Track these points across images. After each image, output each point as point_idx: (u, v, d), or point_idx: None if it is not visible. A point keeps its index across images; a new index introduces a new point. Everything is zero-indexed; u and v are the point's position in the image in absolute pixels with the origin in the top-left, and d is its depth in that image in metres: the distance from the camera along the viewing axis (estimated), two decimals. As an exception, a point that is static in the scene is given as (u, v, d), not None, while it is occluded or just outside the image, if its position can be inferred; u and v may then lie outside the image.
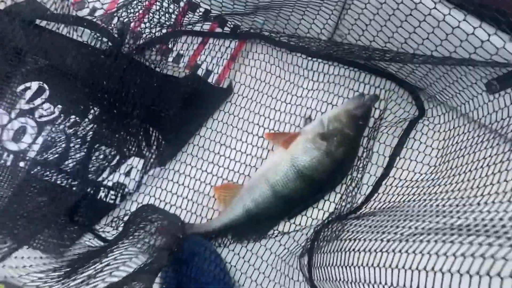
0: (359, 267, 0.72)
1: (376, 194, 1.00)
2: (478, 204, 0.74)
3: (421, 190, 0.92)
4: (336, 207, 1.04)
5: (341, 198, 1.05)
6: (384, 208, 0.93)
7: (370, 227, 0.83)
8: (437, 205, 0.82)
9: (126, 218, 1.03)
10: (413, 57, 0.85)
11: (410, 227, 0.74)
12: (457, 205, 0.75)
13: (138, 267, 0.84)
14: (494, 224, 0.61)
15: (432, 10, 0.79)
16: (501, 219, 0.62)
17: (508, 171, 0.77)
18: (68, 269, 0.87)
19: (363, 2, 0.88)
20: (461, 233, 0.65)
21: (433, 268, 0.57)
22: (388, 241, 0.73)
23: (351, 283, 0.74)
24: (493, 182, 0.76)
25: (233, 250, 1.02)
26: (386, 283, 0.65)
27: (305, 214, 1.05)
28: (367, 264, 0.70)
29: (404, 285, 0.61)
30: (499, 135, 0.86)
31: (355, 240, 0.80)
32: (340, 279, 0.78)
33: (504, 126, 0.84)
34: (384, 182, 1.01)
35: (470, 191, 0.78)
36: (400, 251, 0.65)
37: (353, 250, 0.77)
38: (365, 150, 1.06)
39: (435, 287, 0.58)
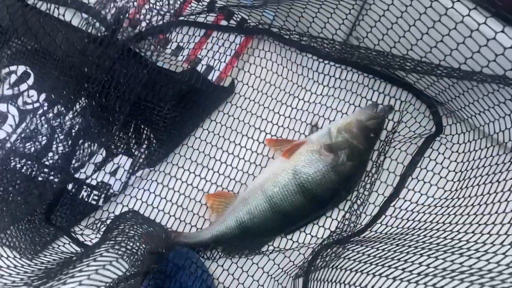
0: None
1: (383, 217, 0.91)
2: (493, 244, 0.65)
3: (434, 218, 0.82)
4: (338, 226, 0.95)
5: (344, 216, 0.96)
6: (390, 234, 0.84)
7: (373, 256, 0.74)
8: (452, 239, 0.72)
9: (108, 221, 0.94)
10: (436, 69, 0.75)
11: (416, 263, 0.65)
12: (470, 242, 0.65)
13: (118, 277, 0.76)
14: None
15: (465, 18, 0.69)
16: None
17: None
18: (38, 276, 0.79)
19: (386, 3, 0.78)
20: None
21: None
22: (392, 279, 0.64)
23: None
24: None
25: (222, 266, 0.94)
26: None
27: (304, 231, 0.97)
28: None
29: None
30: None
31: (355, 272, 0.71)
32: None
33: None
34: (392, 204, 0.91)
35: (488, 227, 0.68)
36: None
37: (352, 284, 0.68)
38: (374, 165, 0.97)
39: None
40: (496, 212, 0.72)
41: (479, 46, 0.70)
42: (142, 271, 0.75)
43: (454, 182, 0.89)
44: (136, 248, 0.83)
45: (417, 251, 0.71)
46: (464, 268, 0.61)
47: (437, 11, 0.72)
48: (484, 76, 0.74)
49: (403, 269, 0.66)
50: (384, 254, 0.74)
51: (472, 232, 0.72)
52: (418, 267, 0.66)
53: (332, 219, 0.97)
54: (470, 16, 0.69)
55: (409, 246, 0.75)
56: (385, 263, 0.70)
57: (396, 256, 0.72)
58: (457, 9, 0.69)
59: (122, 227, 0.89)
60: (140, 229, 0.89)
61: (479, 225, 0.72)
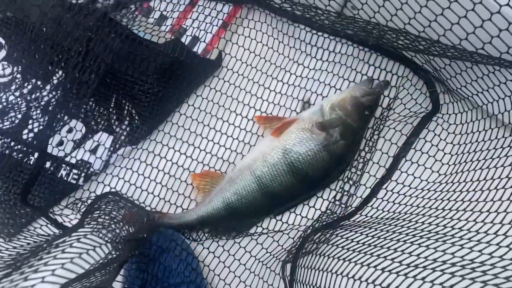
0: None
1: (374, 199, 0.87)
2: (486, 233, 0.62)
3: (427, 203, 0.79)
4: (329, 207, 0.92)
5: (335, 197, 0.93)
6: (381, 218, 0.81)
7: (362, 244, 0.71)
8: (444, 226, 0.69)
9: (89, 201, 0.90)
10: (433, 46, 0.69)
11: (406, 252, 0.63)
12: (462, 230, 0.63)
13: (98, 260, 0.73)
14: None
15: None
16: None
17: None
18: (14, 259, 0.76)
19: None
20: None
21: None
22: (380, 270, 0.61)
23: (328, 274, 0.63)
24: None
25: (208, 248, 0.91)
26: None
27: (294, 211, 0.93)
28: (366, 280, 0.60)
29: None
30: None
31: (343, 260, 0.68)
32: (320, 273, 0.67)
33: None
34: (384, 186, 0.88)
35: (483, 215, 0.65)
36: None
37: (340, 274, 0.66)
38: (367, 144, 0.93)
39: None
40: (491, 200, 0.69)
41: (482, 21, 0.65)
42: (124, 257, 0.72)
43: (450, 165, 0.85)
44: (118, 231, 0.79)
45: (408, 239, 0.68)
46: (455, 259, 0.58)
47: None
48: (481, 57, 0.69)
49: (392, 259, 0.64)
50: (373, 242, 0.71)
51: (466, 219, 0.69)
52: (408, 257, 0.63)
53: (323, 200, 0.93)
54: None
55: (400, 233, 0.72)
56: (374, 252, 0.67)
57: (385, 244, 0.69)
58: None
59: (103, 208, 0.86)
60: (122, 211, 0.85)
61: (473, 212, 0.69)
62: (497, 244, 0.59)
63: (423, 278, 0.56)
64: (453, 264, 0.57)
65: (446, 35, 0.72)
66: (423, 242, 0.66)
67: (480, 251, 0.59)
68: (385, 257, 0.64)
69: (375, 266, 0.62)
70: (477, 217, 0.67)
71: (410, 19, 0.75)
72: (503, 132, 0.78)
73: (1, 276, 0.58)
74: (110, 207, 0.86)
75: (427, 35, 0.74)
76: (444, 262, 0.59)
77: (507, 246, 0.57)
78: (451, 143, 0.88)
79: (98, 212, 0.86)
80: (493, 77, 0.75)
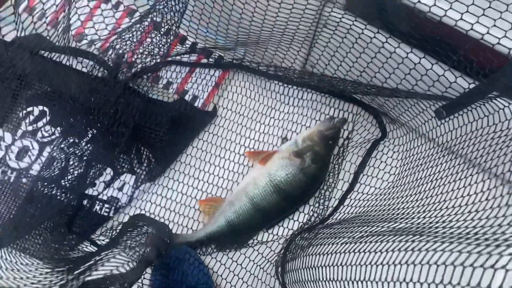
0: (321, 267, 0.84)
1: (341, 207, 1.12)
2: (424, 212, 0.87)
3: (381, 203, 1.04)
4: (309, 218, 1.16)
5: (313, 210, 1.17)
6: (348, 219, 1.06)
7: (331, 234, 0.95)
8: (391, 215, 0.94)
9: (119, 228, 1.13)
10: (366, 87, 0.98)
11: (361, 232, 0.86)
12: (404, 213, 0.87)
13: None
14: (426, 226, 0.73)
15: (375, 43, 0.93)
16: (431, 223, 0.75)
17: (455, 182, 0.90)
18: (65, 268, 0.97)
19: (326, 39, 1.01)
20: (402, 234, 0.77)
21: (376, 263, 0.69)
22: (342, 244, 0.84)
23: (314, 281, 0.85)
24: (441, 192, 0.89)
25: (215, 258, 1.13)
26: (342, 279, 0.77)
27: (282, 225, 1.17)
28: (327, 264, 0.82)
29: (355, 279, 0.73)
30: (451, 152, 0.99)
31: (317, 245, 0.92)
32: (306, 280, 0.89)
33: (455, 144, 0.97)
34: (349, 196, 1.13)
35: (417, 202, 0.90)
36: (350, 250, 0.77)
37: (316, 253, 0.89)
38: (334, 167, 1.19)
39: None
40: (426, 197, 0.94)
41: (393, 68, 0.94)
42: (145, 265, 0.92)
43: (395, 175, 1.12)
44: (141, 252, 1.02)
45: (367, 230, 0.92)
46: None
47: (364, 41, 0.95)
48: (402, 93, 0.97)
49: (354, 250, 0.86)
50: (341, 237, 0.94)
51: (407, 214, 0.93)
52: (367, 244, 0.85)
53: (304, 214, 1.18)
54: (388, 43, 0.93)
55: (360, 227, 0.95)
56: (341, 243, 0.90)
57: (350, 236, 0.92)
58: (376, 41, 0.93)
59: (131, 230, 1.09)
60: (147, 233, 1.08)
61: (413, 208, 0.94)
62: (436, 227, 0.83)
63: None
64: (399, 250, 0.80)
65: (378, 79, 1.01)
66: (377, 232, 0.89)
67: (421, 234, 0.83)
68: (350, 248, 0.87)
69: (337, 243, 0.86)
70: (414, 211, 0.92)
71: (350, 68, 1.04)
72: (431, 144, 1.06)
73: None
74: (137, 230, 1.09)
75: (366, 80, 1.04)
76: (393, 250, 0.81)
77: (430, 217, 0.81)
78: (396, 159, 1.15)
79: (127, 235, 1.09)
80: (417, 106, 1.04)
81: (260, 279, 1.11)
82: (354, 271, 0.74)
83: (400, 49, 0.92)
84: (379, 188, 1.12)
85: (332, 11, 0.92)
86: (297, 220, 1.17)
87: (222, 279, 1.11)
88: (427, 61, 0.88)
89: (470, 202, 0.79)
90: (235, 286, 1.10)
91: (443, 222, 0.78)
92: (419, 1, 0.76)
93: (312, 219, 1.15)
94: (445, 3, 0.75)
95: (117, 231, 1.13)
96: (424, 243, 0.71)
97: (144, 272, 1.01)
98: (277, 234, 1.16)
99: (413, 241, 0.68)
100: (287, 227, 1.17)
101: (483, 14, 0.73)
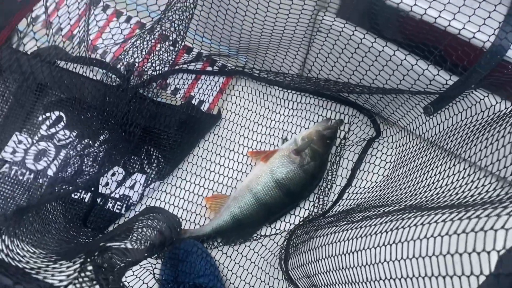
0: (320, 247, 0.91)
1: (340, 200, 1.19)
2: (415, 195, 0.94)
3: (376, 195, 1.11)
4: (310, 213, 1.23)
5: (313, 205, 1.24)
6: (346, 211, 1.12)
7: (330, 222, 1.02)
8: (385, 201, 1.01)
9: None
10: (356, 88, 1.07)
11: (358, 217, 0.93)
12: (397, 199, 0.94)
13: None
14: (417, 205, 0.81)
15: (362, 43, 1.02)
16: (421, 203, 0.82)
17: (441, 173, 0.97)
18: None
19: (320, 43, 1.11)
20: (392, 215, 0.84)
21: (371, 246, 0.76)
22: (340, 228, 0.91)
23: (314, 262, 0.92)
24: (428, 179, 0.97)
25: (221, 251, 1.20)
26: (336, 254, 0.84)
27: (284, 220, 1.24)
28: (325, 243, 0.89)
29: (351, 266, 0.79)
30: (437, 146, 1.07)
31: (318, 231, 0.98)
32: (306, 263, 0.96)
33: (440, 138, 1.05)
34: (347, 190, 1.20)
35: (409, 188, 0.98)
36: (345, 230, 0.85)
37: (317, 236, 0.96)
38: (333, 164, 1.26)
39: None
40: (417, 188, 1.01)
41: (382, 66, 1.03)
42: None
43: (389, 169, 1.19)
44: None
45: (363, 221, 0.99)
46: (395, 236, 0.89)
47: (354, 42, 1.04)
48: (396, 90, 1.06)
49: (351, 237, 0.92)
50: (339, 228, 1.01)
51: (400, 199, 1.01)
52: (364, 229, 0.91)
53: (305, 209, 1.24)
54: (377, 43, 1.02)
55: (358, 217, 1.02)
56: (339, 233, 0.96)
57: (349, 227, 0.99)
58: (365, 41, 1.02)
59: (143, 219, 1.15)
60: (158, 225, 1.15)
61: (406, 197, 1.01)
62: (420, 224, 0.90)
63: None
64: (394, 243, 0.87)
65: (369, 76, 1.10)
66: (374, 215, 0.96)
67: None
68: (348, 236, 0.93)
69: (338, 231, 0.92)
70: (406, 201, 0.99)
71: (341, 71, 1.13)
72: (419, 140, 1.14)
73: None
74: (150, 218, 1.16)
75: (356, 82, 1.13)
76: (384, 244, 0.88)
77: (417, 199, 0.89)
78: (390, 155, 1.23)
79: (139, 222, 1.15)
80: (405, 105, 1.12)
81: (264, 270, 1.17)
82: (347, 246, 0.81)
83: (388, 48, 1.00)
84: (375, 181, 1.19)
85: (324, 16, 1.01)
86: (298, 215, 1.24)
87: (229, 270, 1.17)
88: (412, 58, 0.96)
89: (452, 183, 0.87)
90: (240, 277, 1.16)
91: (432, 201, 0.85)
92: (401, 2, 0.85)
93: (313, 214, 1.21)
94: (424, 2, 0.84)
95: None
96: (419, 218, 0.78)
97: (155, 263, 1.08)
98: (279, 229, 1.23)
99: (409, 218, 0.75)
100: (289, 221, 1.24)
101: (458, 11, 0.82)
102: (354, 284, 0.81)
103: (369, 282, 0.77)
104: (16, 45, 1.20)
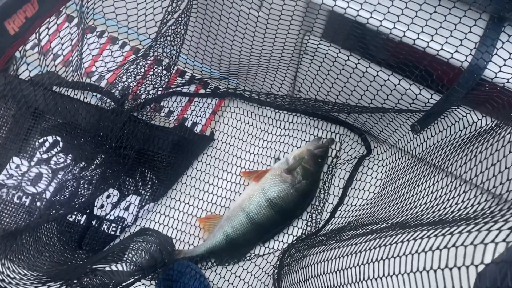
0: (312, 265, 0.92)
1: (333, 219, 1.20)
2: (402, 212, 0.95)
3: (367, 212, 1.12)
4: (303, 231, 1.24)
5: (306, 224, 1.25)
6: (338, 229, 1.14)
7: (321, 240, 1.03)
8: (374, 219, 1.02)
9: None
10: (344, 108, 1.09)
11: (348, 235, 0.94)
12: (385, 216, 0.96)
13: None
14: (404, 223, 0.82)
15: (347, 64, 1.04)
16: (408, 220, 0.84)
17: (429, 188, 0.99)
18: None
19: (307, 65, 1.13)
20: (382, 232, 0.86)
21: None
22: (331, 246, 0.92)
23: (305, 280, 0.93)
24: (414, 196, 0.98)
25: (215, 271, 1.20)
26: (327, 272, 0.84)
27: (277, 239, 1.25)
28: (317, 261, 0.90)
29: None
30: (425, 162, 1.09)
31: (311, 249, 0.99)
32: (299, 281, 0.97)
33: (427, 154, 1.07)
34: (339, 208, 1.21)
35: (397, 205, 0.99)
36: (336, 248, 0.86)
37: (310, 254, 0.97)
38: (325, 183, 1.28)
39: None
40: (405, 205, 1.02)
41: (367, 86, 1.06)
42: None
43: (379, 186, 1.21)
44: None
45: (356, 237, 1.00)
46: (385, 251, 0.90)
47: (340, 63, 1.07)
48: (382, 109, 1.08)
49: (346, 253, 0.93)
50: (332, 245, 1.02)
51: (388, 218, 1.02)
52: (357, 245, 0.92)
53: (298, 228, 1.25)
54: (362, 64, 1.04)
55: (350, 235, 1.04)
56: (332, 249, 0.97)
57: (341, 244, 1.00)
58: (349, 63, 1.05)
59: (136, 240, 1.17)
60: (152, 247, 1.16)
61: (394, 214, 1.02)
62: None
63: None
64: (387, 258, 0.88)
65: (352, 99, 1.12)
66: (365, 236, 0.97)
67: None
68: (341, 253, 0.94)
69: (325, 250, 0.93)
70: (395, 217, 1.01)
71: (328, 91, 1.16)
72: (408, 157, 1.15)
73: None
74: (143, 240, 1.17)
75: (343, 101, 1.15)
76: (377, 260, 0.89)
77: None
78: (381, 172, 1.24)
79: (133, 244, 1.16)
80: (393, 123, 1.14)
81: (257, 289, 1.18)
82: (335, 264, 0.82)
83: (372, 69, 1.03)
84: (366, 199, 1.21)
85: (309, 39, 1.05)
86: (291, 234, 1.25)
87: (222, 290, 1.18)
88: (394, 78, 0.99)
89: (438, 198, 0.88)
90: (234, 297, 1.17)
91: (417, 216, 0.86)
92: (381, 25, 0.88)
93: (306, 232, 1.22)
94: (403, 25, 0.87)
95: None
96: (406, 235, 0.79)
97: (149, 285, 1.09)
98: (273, 248, 1.24)
99: (396, 235, 0.76)
100: (282, 240, 1.25)
101: (436, 33, 0.85)
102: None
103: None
104: (12, 72, 1.23)
